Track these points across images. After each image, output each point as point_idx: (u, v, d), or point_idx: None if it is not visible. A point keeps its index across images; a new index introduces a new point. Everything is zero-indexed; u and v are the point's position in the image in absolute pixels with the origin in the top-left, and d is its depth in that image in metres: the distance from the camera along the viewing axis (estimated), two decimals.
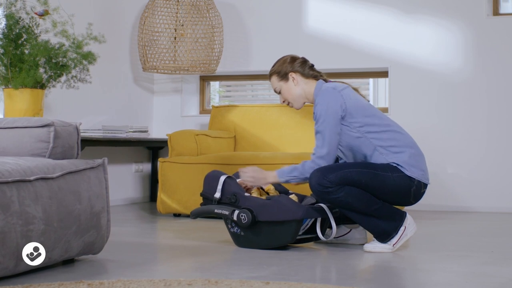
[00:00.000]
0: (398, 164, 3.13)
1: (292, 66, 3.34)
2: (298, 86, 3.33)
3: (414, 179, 3.12)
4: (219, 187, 3.29)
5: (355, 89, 3.35)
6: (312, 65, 3.39)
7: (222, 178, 3.31)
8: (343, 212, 3.14)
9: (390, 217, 3.12)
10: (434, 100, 5.35)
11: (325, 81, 3.36)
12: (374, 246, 3.16)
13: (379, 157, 3.16)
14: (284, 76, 3.34)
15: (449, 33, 5.33)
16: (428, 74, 5.36)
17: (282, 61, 3.38)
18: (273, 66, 3.40)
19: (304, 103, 3.38)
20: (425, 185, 3.19)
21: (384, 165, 3.13)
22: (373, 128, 3.18)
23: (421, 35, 5.38)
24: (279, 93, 3.38)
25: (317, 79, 3.35)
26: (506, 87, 5.21)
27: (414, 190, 3.14)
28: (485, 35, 5.26)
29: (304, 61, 3.38)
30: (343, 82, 3.36)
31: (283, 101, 3.40)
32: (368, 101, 3.38)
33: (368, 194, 3.09)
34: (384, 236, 3.13)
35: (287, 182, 3.25)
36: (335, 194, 3.05)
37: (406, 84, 5.42)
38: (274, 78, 3.38)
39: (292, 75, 3.33)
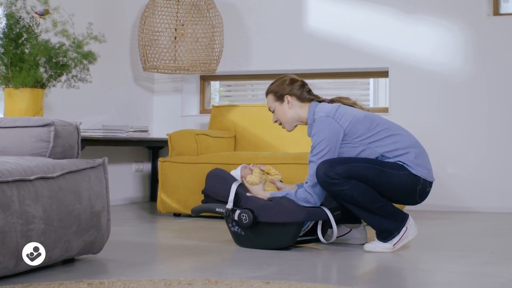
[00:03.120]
0: (404, 163, 3.14)
1: (290, 88, 3.31)
2: (292, 110, 3.31)
3: (420, 177, 3.14)
4: (231, 197, 3.24)
5: (348, 103, 3.31)
6: (310, 90, 3.36)
7: (234, 188, 3.26)
8: (347, 206, 3.14)
9: (392, 217, 3.13)
10: (434, 100, 5.35)
11: (319, 101, 3.34)
12: (374, 246, 3.16)
13: None
14: (280, 97, 3.33)
15: (449, 33, 5.32)
16: (428, 74, 5.36)
17: (281, 82, 3.36)
18: (271, 85, 3.38)
19: (296, 126, 3.37)
20: (430, 184, 3.20)
21: (392, 163, 3.14)
22: (374, 137, 3.18)
23: (421, 35, 5.37)
24: (273, 112, 3.37)
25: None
26: (507, 87, 5.20)
27: (420, 188, 3.15)
28: (485, 35, 5.26)
29: (303, 85, 3.35)
30: (339, 98, 3.33)
31: (275, 121, 3.38)
32: (367, 110, 3.34)
33: (374, 190, 3.10)
34: (385, 234, 3.13)
35: None
36: (341, 186, 3.06)
37: (406, 84, 5.42)
38: (270, 97, 3.36)
39: (288, 98, 3.31)
